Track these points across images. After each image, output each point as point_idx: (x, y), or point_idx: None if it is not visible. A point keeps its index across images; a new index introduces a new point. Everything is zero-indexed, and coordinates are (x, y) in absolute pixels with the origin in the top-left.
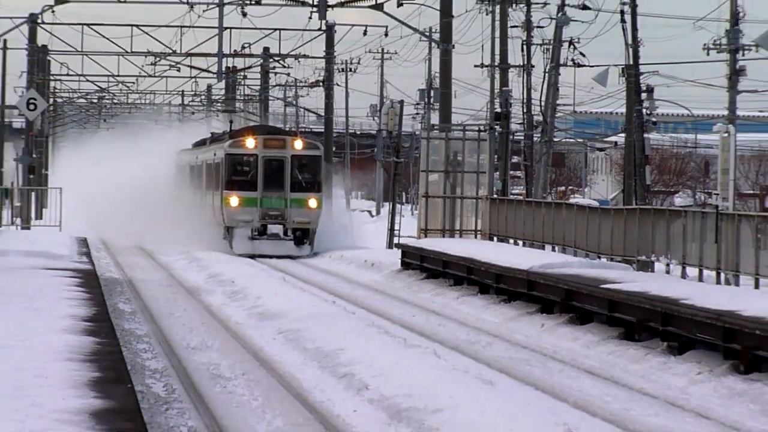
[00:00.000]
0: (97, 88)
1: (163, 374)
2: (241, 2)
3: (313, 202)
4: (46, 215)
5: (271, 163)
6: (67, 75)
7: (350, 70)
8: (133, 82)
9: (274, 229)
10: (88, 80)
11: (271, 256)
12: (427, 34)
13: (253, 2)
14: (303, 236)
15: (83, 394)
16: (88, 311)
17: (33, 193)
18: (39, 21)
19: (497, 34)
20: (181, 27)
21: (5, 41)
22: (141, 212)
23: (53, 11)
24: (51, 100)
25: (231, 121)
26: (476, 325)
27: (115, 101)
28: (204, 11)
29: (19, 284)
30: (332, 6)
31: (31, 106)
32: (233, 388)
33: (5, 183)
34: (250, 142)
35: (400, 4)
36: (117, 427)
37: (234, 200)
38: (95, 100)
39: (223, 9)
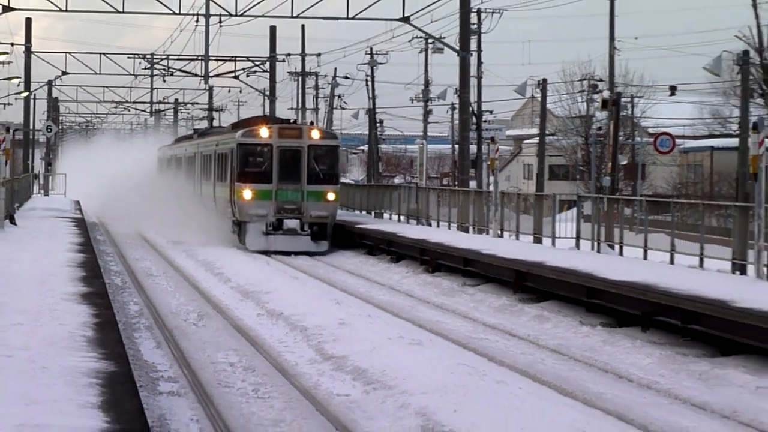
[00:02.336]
0: (85, 119)
1: (120, 273)
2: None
3: (331, 195)
4: (56, 189)
5: (286, 153)
6: (68, 112)
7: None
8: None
9: (291, 223)
10: (79, 115)
11: (287, 253)
12: (452, 46)
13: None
14: (320, 231)
15: (76, 285)
16: (79, 239)
17: (50, 177)
18: (53, 84)
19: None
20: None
21: (35, 95)
22: (122, 192)
23: (61, 78)
24: (59, 125)
25: (212, 119)
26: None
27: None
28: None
29: (42, 225)
30: (358, 17)
31: (49, 130)
32: (159, 281)
33: (35, 171)
34: (264, 132)
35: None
36: (94, 302)
37: (247, 193)
38: (85, 123)
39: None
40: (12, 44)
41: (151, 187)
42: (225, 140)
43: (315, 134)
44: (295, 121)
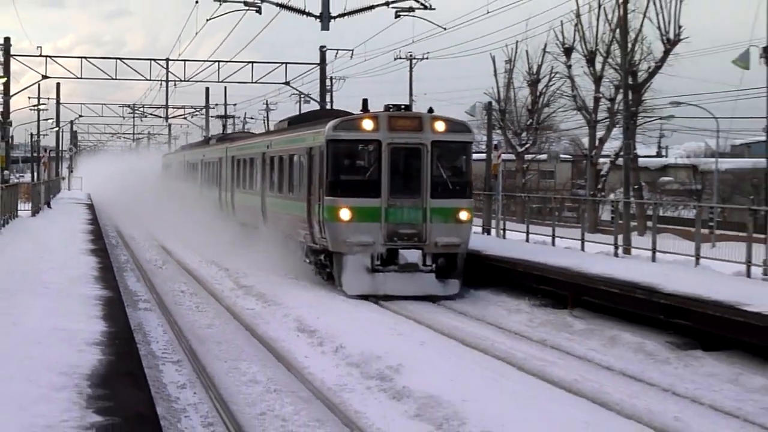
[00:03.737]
0: (93, 143)
1: (115, 237)
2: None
3: (464, 214)
4: (75, 186)
5: (400, 153)
6: (83, 139)
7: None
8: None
9: (408, 255)
10: (89, 141)
11: (402, 298)
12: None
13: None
14: (449, 265)
15: (87, 245)
16: (89, 217)
17: (71, 179)
18: (73, 122)
19: None
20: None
21: (62, 129)
22: (128, 191)
23: (78, 119)
24: (77, 147)
25: (224, 126)
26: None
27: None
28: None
29: (67, 208)
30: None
31: (71, 151)
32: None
33: (63, 175)
34: (367, 123)
35: (397, 16)
36: (102, 257)
37: (345, 213)
38: (93, 146)
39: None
40: (48, 98)
41: (158, 190)
42: (299, 137)
43: (440, 126)
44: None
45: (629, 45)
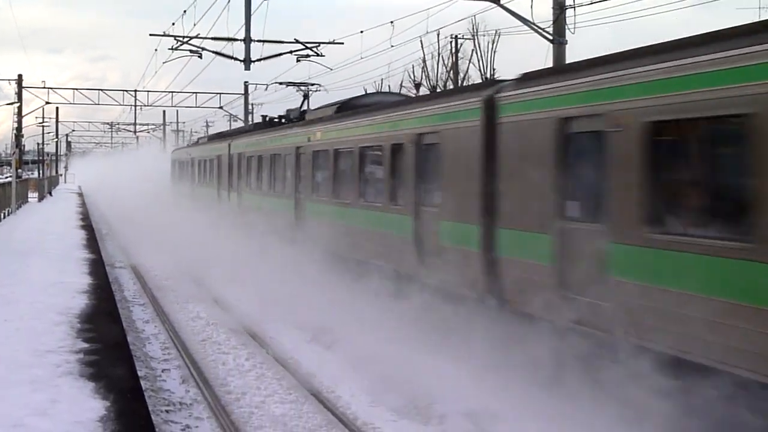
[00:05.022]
0: (83, 150)
1: (100, 221)
2: None
3: None
4: (70, 181)
5: None
6: (76, 147)
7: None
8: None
9: None
10: (79, 147)
11: None
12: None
13: None
14: None
15: (79, 222)
16: (80, 203)
17: (67, 175)
18: (68, 135)
19: None
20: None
21: (60, 140)
22: (120, 188)
23: (72, 132)
24: (71, 152)
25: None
26: None
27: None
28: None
29: (64, 198)
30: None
31: (66, 156)
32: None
33: (60, 172)
34: None
35: (298, 60)
36: (88, 229)
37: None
38: (83, 151)
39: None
40: (50, 118)
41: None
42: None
43: None
44: None
45: (459, 82)
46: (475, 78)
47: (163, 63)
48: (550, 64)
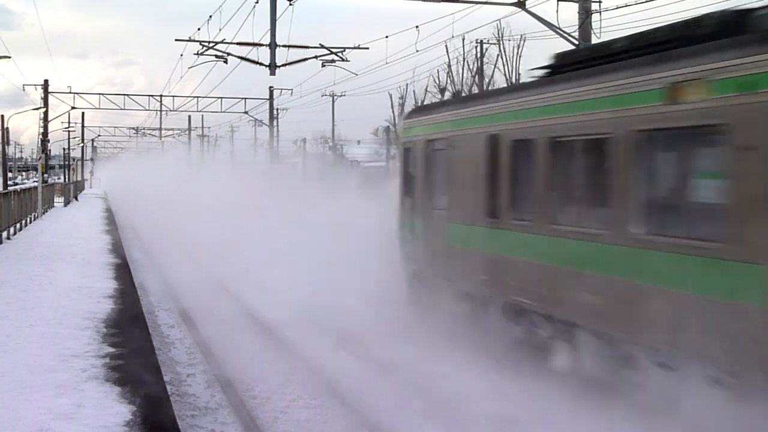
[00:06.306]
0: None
1: (123, 223)
2: None
3: None
4: (96, 185)
5: None
6: (101, 152)
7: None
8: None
9: None
10: (104, 152)
11: None
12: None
13: None
14: None
15: (103, 226)
16: (105, 207)
17: (92, 179)
18: (94, 140)
19: None
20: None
21: (86, 145)
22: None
23: (98, 137)
24: (96, 156)
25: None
26: None
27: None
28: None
29: (89, 203)
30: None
31: (92, 160)
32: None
33: (86, 177)
34: None
35: (323, 65)
36: (113, 235)
37: None
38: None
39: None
40: (75, 123)
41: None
42: None
43: None
44: None
45: (485, 87)
46: (500, 83)
47: (189, 68)
48: None
